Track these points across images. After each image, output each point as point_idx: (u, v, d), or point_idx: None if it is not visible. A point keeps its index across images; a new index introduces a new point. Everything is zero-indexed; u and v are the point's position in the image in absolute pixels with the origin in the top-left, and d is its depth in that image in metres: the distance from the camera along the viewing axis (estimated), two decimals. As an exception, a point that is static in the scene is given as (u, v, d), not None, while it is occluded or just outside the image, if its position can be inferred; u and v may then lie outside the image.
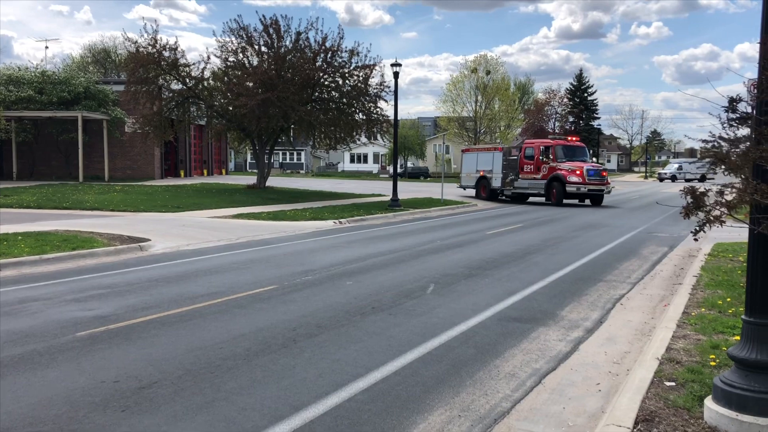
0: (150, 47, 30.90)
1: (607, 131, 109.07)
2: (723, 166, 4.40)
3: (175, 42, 31.99)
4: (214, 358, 6.33)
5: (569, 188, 30.58)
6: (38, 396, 5.31)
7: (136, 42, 31.23)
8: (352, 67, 31.59)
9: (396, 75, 27.43)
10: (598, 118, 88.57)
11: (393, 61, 27.14)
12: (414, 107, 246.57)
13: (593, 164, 31.72)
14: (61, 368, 6.02)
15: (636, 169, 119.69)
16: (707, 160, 4.52)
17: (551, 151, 32.12)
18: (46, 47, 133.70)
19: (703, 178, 64.78)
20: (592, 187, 30.60)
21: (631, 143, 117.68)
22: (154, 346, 6.76)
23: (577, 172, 30.55)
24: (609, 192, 31.67)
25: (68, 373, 5.89)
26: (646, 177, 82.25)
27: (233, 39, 31.48)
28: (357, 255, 13.55)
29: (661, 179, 71.06)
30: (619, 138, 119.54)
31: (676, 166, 73.43)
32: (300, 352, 6.58)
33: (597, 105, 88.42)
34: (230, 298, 9.14)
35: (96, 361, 6.21)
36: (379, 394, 5.43)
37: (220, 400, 5.25)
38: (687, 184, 4.41)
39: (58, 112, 36.64)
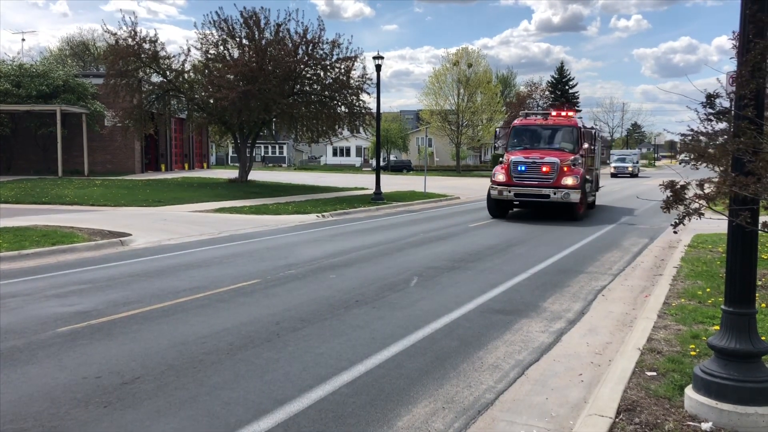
0: (130, 39, 30.55)
1: (588, 124, 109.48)
2: (701, 160, 4.45)
3: (155, 34, 31.71)
4: (197, 353, 6.30)
5: (492, 192, 20.01)
6: (19, 392, 5.25)
7: (116, 34, 30.86)
8: (333, 60, 31.48)
9: (378, 68, 27.38)
10: (580, 110, 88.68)
11: (374, 53, 27.12)
12: (396, 100, 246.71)
13: (536, 153, 19.81)
14: (41, 364, 5.96)
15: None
16: (684, 154, 4.57)
17: (507, 136, 22.01)
18: (23, 39, 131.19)
19: (633, 174, 59.14)
20: (522, 191, 19.42)
21: (612, 136, 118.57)
22: (137, 341, 6.71)
23: (503, 167, 20.05)
24: (567, 199, 18.99)
25: (49, 369, 5.83)
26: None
27: (214, 31, 31.26)
28: (340, 248, 13.54)
29: (615, 174, 57.97)
30: (601, 131, 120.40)
31: (621, 158, 63.28)
32: (284, 345, 6.57)
33: (578, 98, 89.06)
34: (213, 292, 9.09)
35: (77, 357, 6.16)
36: (363, 387, 5.44)
37: (204, 394, 5.24)
38: (666, 179, 4.44)
39: (36, 105, 36.08)
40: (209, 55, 31.65)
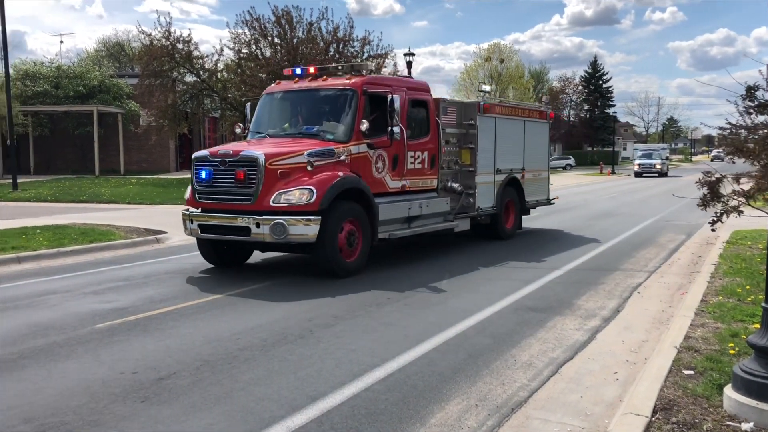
0: (164, 40, 31.02)
1: (623, 119, 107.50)
2: (739, 155, 4.35)
3: (189, 34, 32.16)
4: (231, 349, 6.36)
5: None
6: (59, 387, 5.37)
7: (150, 35, 31.36)
8: (364, 57, 31.53)
9: (409, 64, 27.46)
10: (614, 105, 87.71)
11: (405, 50, 27.12)
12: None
13: (238, 145, 10.66)
14: (80, 360, 6.09)
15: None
16: (718, 149, 4.48)
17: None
18: (61, 42, 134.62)
19: (662, 173, 49.31)
20: (207, 221, 9.92)
21: (647, 130, 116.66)
22: (172, 337, 6.81)
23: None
24: (281, 236, 9.18)
25: (88, 364, 5.95)
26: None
27: (246, 31, 31.55)
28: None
29: (640, 173, 49.21)
30: (635, 125, 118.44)
31: (647, 153, 52.35)
32: (316, 342, 6.61)
33: (612, 92, 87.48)
34: (246, 289, 9.18)
35: (115, 353, 6.28)
36: (395, 383, 5.44)
37: (238, 390, 5.29)
38: (702, 176, 4.35)
39: (74, 106, 36.89)
40: (241, 55, 31.96)
